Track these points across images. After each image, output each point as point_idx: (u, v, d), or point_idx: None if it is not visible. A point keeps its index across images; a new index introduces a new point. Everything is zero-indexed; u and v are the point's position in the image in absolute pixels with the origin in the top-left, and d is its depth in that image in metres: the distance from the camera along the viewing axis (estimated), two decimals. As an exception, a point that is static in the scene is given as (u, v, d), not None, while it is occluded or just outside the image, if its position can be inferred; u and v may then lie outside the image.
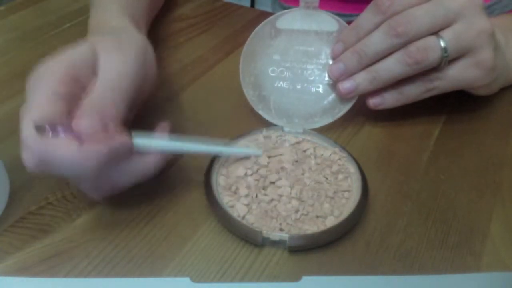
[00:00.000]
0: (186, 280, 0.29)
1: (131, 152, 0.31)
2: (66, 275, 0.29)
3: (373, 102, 0.39)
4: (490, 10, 0.56)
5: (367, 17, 0.37)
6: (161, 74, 0.46)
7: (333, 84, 0.40)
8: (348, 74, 0.38)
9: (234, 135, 0.38)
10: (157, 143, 0.32)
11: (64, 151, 0.27)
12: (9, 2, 0.61)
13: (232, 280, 0.29)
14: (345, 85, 0.38)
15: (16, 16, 0.58)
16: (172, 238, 0.32)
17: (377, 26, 0.37)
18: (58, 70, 0.31)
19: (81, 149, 0.28)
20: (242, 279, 0.29)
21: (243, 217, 0.32)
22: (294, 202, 0.33)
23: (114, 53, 0.33)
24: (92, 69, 0.32)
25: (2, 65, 0.49)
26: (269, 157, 0.36)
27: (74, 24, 0.57)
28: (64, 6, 0.60)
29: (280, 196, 0.33)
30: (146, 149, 0.31)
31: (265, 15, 0.57)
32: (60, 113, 0.29)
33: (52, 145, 0.27)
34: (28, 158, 0.29)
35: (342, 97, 0.39)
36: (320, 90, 0.40)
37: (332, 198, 0.33)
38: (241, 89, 0.40)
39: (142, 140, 0.31)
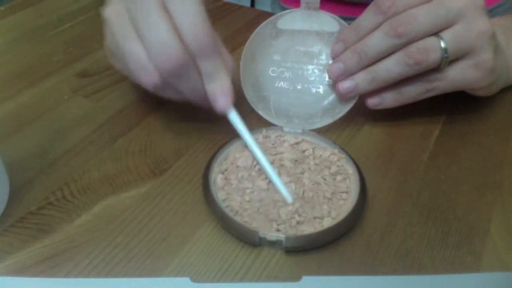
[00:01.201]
0: (186, 280, 0.29)
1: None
2: (66, 275, 0.29)
3: (372, 102, 0.39)
4: (492, 13, 0.56)
5: (367, 17, 0.37)
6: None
7: (334, 85, 0.40)
8: (348, 74, 0.38)
9: (233, 135, 0.38)
10: (241, 131, 0.36)
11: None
12: (9, 2, 0.61)
13: (232, 280, 0.29)
14: (345, 85, 0.38)
15: (16, 16, 0.58)
16: (172, 238, 0.32)
17: (377, 26, 0.37)
18: None
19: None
20: (242, 279, 0.29)
21: (241, 217, 0.32)
22: (292, 203, 0.33)
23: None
24: None
25: (2, 65, 0.49)
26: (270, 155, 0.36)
27: (74, 24, 0.57)
28: (64, 6, 0.60)
29: (278, 196, 0.33)
30: (231, 122, 0.36)
31: (265, 15, 0.57)
32: None
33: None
34: (165, 65, 0.32)
35: (342, 97, 0.39)
36: (321, 90, 0.40)
37: (330, 199, 0.33)
38: (241, 89, 0.40)
39: (235, 119, 0.36)
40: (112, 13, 0.34)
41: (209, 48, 0.33)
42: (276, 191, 0.34)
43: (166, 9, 0.32)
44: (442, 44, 0.35)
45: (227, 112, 0.36)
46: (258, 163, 0.35)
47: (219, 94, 0.35)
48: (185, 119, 0.42)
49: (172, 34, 0.31)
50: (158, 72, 0.32)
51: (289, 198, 0.33)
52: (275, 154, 0.36)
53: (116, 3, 0.34)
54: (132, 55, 0.33)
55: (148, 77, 0.33)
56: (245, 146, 0.37)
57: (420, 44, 0.36)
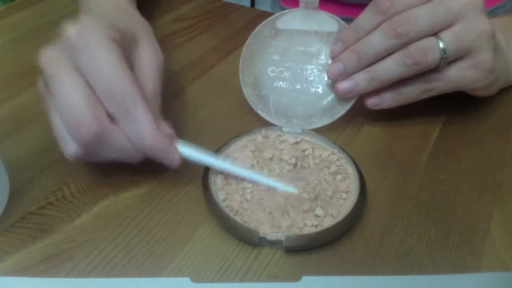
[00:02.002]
0: (186, 280, 0.29)
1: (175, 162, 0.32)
2: (66, 275, 0.29)
3: (371, 102, 0.39)
4: (492, 15, 0.56)
5: (366, 17, 0.37)
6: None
7: (333, 85, 0.40)
8: (347, 74, 0.38)
9: (233, 135, 0.38)
10: (199, 157, 0.33)
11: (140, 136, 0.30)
12: (9, 2, 0.61)
13: (232, 280, 0.29)
14: (344, 85, 0.38)
15: (16, 16, 0.58)
16: (172, 238, 0.32)
17: (376, 26, 0.37)
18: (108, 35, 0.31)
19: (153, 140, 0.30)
20: (242, 279, 0.29)
21: (241, 217, 0.32)
22: (292, 202, 0.33)
23: (151, 40, 0.35)
24: (130, 45, 0.33)
25: (2, 65, 0.49)
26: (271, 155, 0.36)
27: (74, 24, 0.57)
28: (64, 6, 0.60)
29: (279, 196, 0.33)
30: (188, 158, 0.33)
31: (265, 15, 0.57)
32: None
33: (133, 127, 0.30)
34: (83, 138, 0.29)
35: (341, 97, 0.39)
36: (320, 90, 0.41)
37: (331, 198, 0.33)
38: (240, 89, 0.40)
39: (187, 151, 0.33)
40: (39, 85, 0.32)
41: (126, 107, 0.30)
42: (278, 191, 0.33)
43: (78, 72, 0.30)
44: (441, 45, 0.35)
45: (177, 160, 0.32)
46: (245, 179, 0.34)
47: (158, 156, 0.31)
48: (185, 119, 0.42)
49: (80, 99, 0.29)
50: (75, 143, 0.30)
51: (291, 189, 0.33)
52: (274, 154, 0.36)
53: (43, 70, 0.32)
54: (52, 125, 0.31)
55: (66, 148, 0.31)
56: (245, 146, 0.37)
57: (419, 44, 0.36)
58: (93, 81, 0.30)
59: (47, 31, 0.55)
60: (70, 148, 0.31)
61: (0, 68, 0.49)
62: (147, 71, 0.33)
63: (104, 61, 0.29)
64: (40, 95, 0.33)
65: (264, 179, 0.34)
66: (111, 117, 0.30)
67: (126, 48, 0.32)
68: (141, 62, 0.34)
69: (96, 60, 0.29)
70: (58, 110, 0.30)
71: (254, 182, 0.34)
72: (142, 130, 0.30)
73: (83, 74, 0.30)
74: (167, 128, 0.32)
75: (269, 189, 0.34)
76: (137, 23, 0.37)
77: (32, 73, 0.47)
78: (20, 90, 0.45)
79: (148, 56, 0.34)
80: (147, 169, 0.37)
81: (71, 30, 0.30)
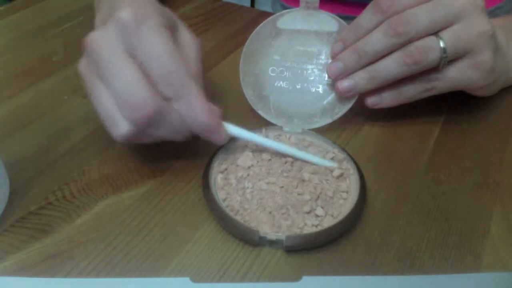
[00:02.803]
0: (186, 280, 0.29)
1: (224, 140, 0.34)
2: (66, 275, 0.29)
3: (371, 101, 0.39)
4: (492, 15, 0.56)
5: (367, 16, 0.37)
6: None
7: (333, 85, 0.40)
8: (347, 73, 0.38)
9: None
10: (244, 134, 0.35)
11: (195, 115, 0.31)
12: (9, 2, 0.61)
13: (232, 280, 0.29)
14: (344, 84, 0.38)
15: (16, 16, 0.58)
16: (172, 238, 0.32)
17: (377, 26, 0.37)
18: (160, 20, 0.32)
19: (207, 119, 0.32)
20: (242, 279, 0.29)
21: (241, 217, 0.32)
22: (292, 202, 0.33)
23: (185, 25, 0.36)
24: (172, 30, 0.34)
25: (2, 65, 0.49)
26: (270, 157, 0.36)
27: (74, 24, 0.57)
28: (64, 6, 0.60)
29: (279, 196, 0.33)
30: (234, 135, 0.35)
31: (265, 15, 0.57)
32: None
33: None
34: (138, 116, 0.30)
35: (341, 96, 0.39)
36: (320, 90, 0.41)
37: (331, 198, 0.33)
38: (241, 89, 0.40)
39: (233, 129, 0.35)
40: (82, 66, 0.33)
41: (182, 86, 0.31)
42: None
43: (132, 55, 0.31)
44: (441, 44, 0.35)
45: (227, 138, 0.34)
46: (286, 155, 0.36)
47: (209, 132, 0.33)
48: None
49: (138, 80, 0.30)
50: (128, 123, 0.31)
51: (332, 163, 0.35)
52: (274, 154, 0.36)
53: (85, 58, 0.33)
54: (99, 107, 0.32)
55: (116, 129, 0.31)
56: (245, 146, 0.37)
57: (419, 43, 0.36)
58: (147, 63, 0.31)
59: (47, 31, 0.55)
60: (122, 129, 0.31)
61: (0, 68, 0.49)
62: (189, 53, 0.34)
63: (159, 45, 0.31)
64: (82, 75, 0.33)
65: (307, 156, 0.36)
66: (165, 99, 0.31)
67: (171, 30, 0.33)
68: (183, 46, 0.34)
69: (151, 43, 0.30)
70: (112, 91, 0.31)
71: (295, 158, 0.36)
72: (197, 108, 0.31)
73: (136, 57, 0.31)
74: (215, 108, 0.33)
75: (269, 188, 0.34)
76: (163, 9, 0.38)
77: (32, 73, 0.48)
78: (20, 90, 0.45)
79: (188, 40, 0.35)
80: (147, 169, 0.37)
81: (124, 13, 0.31)
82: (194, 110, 0.31)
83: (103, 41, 0.31)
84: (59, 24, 0.57)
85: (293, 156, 0.36)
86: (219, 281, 0.29)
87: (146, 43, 0.30)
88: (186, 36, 0.35)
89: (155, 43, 0.31)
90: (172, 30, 0.33)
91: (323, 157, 0.36)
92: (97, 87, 0.32)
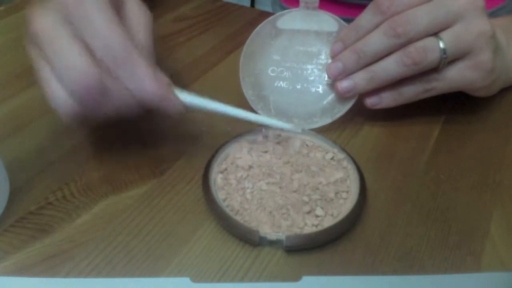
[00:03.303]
0: (186, 280, 0.29)
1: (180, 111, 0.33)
2: (66, 275, 0.29)
3: (371, 101, 0.39)
4: (494, 16, 0.56)
5: (366, 17, 0.37)
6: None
7: (333, 85, 0.40)
8: (347, 73, 0.38)
9: (233, 135, 0.38)
10: (201, 101, 0.34)
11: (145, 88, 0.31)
12: (9, 2, 0.61)
13: (232, 280, 0.29)
14: (343, 84, 0.38)
15: (16, 16, 0.58)
16: (172, 238, 0.32)
17: (376, 26, 0.37)
18: None
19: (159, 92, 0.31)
20: (242, 279, 0.29)
21: (241, 217, 0.32)
22: (292, 202, 0.33)
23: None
24: (118, 4, 0.33)
25: (2, 65, 0.49)
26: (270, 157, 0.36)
27: (74, 24, 0.57)
28: (64, 6, 0.60)
29: (279, 196, 0.33)
30: (190, 104, 0.34)
31: (265, 15, 0.57)
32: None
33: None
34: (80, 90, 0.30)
35: (340, 96, 0.39)
36: (320, 90, 0.41)
37: (331, 198, 0.33)
38: (241, 89, 0.40)
39: (188, 97, 0.34)
40: (29, 49, 0.32)
41: (124, 57, 0.30)
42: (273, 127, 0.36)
43: (74, 33, 0.30)
44: (441, 45, 0.35)
45: (181, 107, 0.33)
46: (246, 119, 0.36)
47: (158, 101, 0.32)
48: (185, 119, 0.42)
49: (77, 54, 0.30)
50: (72, 101, 0.31)
51: (294, 128, 0.36)
52: (274, 154, 0.36)
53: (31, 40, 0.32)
54: (47, 89, 0.31)
55: (62, 107, 0.31)
56: (245, 146, 0.37)
57: (419, 44, 0.36)
58: (89, 37, 0.30)
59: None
60: (67, 107, 0.31)
61: (0, 68, 0.49)
62: (136, 24, 0.34)
63: (98, 17, 0.30)
64: (33, 61, 0.32)
65: (261, 118, 0.36)
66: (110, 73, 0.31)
67: (114, 5, 0.33)
68: (130, 17, 0.34)
69: (90, 17, 0.30)
70: (55, 69, 0.30)
71: (250, 120, 0.36)
72: (140, 76, 0.31)
73: (79, 32, 0.30)
74: (163, 77, 0.33)
75: (269, 188, 0.34)
76: None
77: (32, 73, 0.47)
78: (20, 90, 0.45)
79: (135, 12, 0.35)
80: (147, 169, 0.37)
81: None
82: (138, 79, 0.31)
83: (43, 17, 0.31)
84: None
85: (253, 121, 0.36)
86: (219, 281, 0.29)
87: (84, 16, 0.30)
88: (134, 9, 0.35)
89: (93, 16, 0.30)
90: (116, 1, 0.33)
91: (323, 157, 0.36)
92: (43, 69, 0.31)
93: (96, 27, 0.30)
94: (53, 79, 0.31)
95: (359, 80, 0.38)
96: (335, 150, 0.37)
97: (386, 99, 0.39)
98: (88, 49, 0.30)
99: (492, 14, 0.59)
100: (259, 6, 0.71)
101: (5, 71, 0.48)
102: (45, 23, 0.31)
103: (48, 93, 0.31)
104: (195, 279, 0.29)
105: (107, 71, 0.31)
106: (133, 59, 0.31)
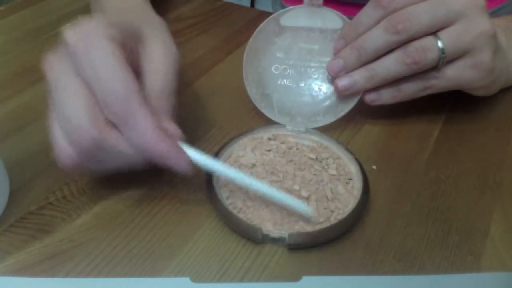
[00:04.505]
0: (186, 280, 0.29)
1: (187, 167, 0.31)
2: (66, 275, 0.29)
3: (370, 97, 0.39)
4: (495, 16, 0.56)
5: (367, 12, 0.37)
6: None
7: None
8: (347, 70, 0.38)
9: (234, 134, 0.38)
10: (206, 162, 0.31)
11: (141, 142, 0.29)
12: (9, 2, 0.61)
13: (232, 280, 0.29)
14: (342, 82, 0.38)
15: (16, 16, 0.58)
16: (172, 238, 0.32)
17: (377, 22, 0.37)
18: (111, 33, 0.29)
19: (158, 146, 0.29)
20: (242, 279, 0.29)
21: (244, 215, 0.32)
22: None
23: (161, 35, 0.33)
24: (136, 42, 0.32)
25: (2, 65, 0.49)
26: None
27: (74, 24, 0.57)
28: (64, 6, 0.60)
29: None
30: (197, 163, 0.31)
31: (265, 15, 0.57)
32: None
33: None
34: (77, 148, 0.29)
35: (340, 94, 0.39)
36: (324, 88, 0.40)
37: (333, 197, 0.33)
38: (242, 88, 0.40)
39: (193, 155, 0.31)
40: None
41: (126, 111, 0.28)
42: (291, 208, 0.31)
43: (80, 79, 0.29)
44: (440, 44, 0.35)
45: (187, 164, 0.31)
46: (250, 188, 0.32)
47: (164, 160, 0.30)
48: (185, 119, 0.42)
49: (81, 105, 0.28)
50: (72, 149, 0.29)
51: (308, 211, 0.31)
52: (277, 153, 0.36)
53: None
54: (50, 132, 0.30)
55: (61, 155, 0.30)
56: (247, 145, 0.37)
57: (418, 43, 0.36)
58: (93, 87, 0.29)
59: (47, 31, 0.55)
60: (65, 155, 0.30)
61: (0, 68, 0.49)
62: (155, 67, 0.32)
63: (102, 67, 0.28)
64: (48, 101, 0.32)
65: (275, 193, 0.31)
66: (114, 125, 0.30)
67: (128, 44, 0.31)
68: (150, 59, 0.32)
69: (94, 67, 0.28)
70: (58, 116, 0.30)
71: (262, 195, 0.32)
72: (145, 133, 0.29)
73: (85, 80, 0.29)
74: (174, 128, 0.31)
75: (274, 185, 0.34)
76: (146, 18, 0.36)
77: (32, 73, 0.48)
78: (20, 90, 0.45)
79: (157, 53, 0.33)
80: (147, 169, 0.37)
81: (69, 35, 0.29)
82: (141, 136, 0.29)
83: (53, 64, 0.30)
84: (59, 24, 0.56)
85: (265, 194, 0.32)
86: (219, 281, 0.29)
87: (89, 65, 0.29)
88: (156, 49, 0.33)
89: (97, 65, 0.28)
90: (129, 39, 0.31)
91: (326, 157, 0.36)
92: (51, 112, 0.30)
93: (99, 78, 0.28)
94: (56, 127, 0.30)
95: (359, 78, 0.38)
96: (339, 149, 0.37)
97: (385, 96, 0.39)
98: (94, 99, 0.29)
99: (492, 14, 0.59)
100: (259, 6, 0.71)
101: (6, 71, 0.48)
102: (54, 68, 0.30)
103: (52, 139, 0.30)
104: (195, 279, 0.29)
105: (112, 123, 0.29)
106: (136, 113, 0.29)
